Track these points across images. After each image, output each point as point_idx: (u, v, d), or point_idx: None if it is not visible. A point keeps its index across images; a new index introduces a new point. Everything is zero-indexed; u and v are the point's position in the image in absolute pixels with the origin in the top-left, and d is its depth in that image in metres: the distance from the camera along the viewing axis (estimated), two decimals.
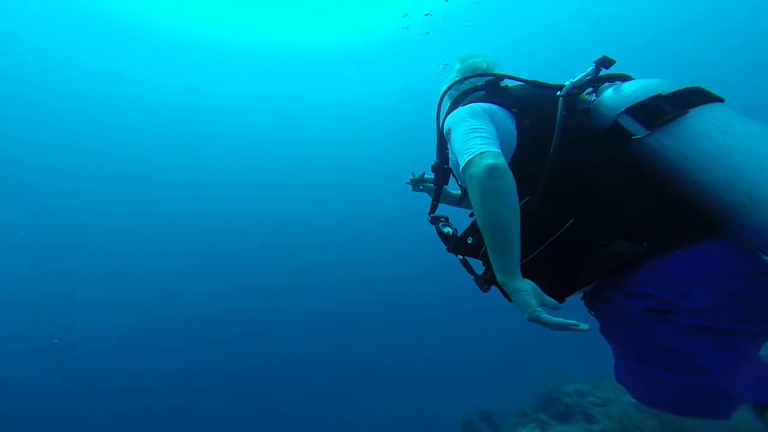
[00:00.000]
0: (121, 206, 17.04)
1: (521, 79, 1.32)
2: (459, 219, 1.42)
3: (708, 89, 1.04)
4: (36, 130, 15.58)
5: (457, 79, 1.46)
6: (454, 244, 1.25)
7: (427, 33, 13.03)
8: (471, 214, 1.29)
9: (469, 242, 1.17)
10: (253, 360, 12.45)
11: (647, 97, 1.03)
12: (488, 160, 0.94)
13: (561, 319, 0.91)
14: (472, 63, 1.49)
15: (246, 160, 18.50)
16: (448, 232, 1.33)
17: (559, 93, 1.15)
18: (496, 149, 0.99)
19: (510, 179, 0.94)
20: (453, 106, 1.37)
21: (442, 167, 1.49)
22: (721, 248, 0.94)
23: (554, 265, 1.06)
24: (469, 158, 0.98)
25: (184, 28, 14.14)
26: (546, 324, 0.92)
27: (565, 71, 1.31)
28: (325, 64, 16.18)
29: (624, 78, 1.17)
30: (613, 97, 1.10)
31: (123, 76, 15.59)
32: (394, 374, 11.46)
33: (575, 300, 1.15)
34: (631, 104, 1.04)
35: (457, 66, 1.53)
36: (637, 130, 1.02)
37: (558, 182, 1.03)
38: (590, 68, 1.18)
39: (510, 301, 0.99)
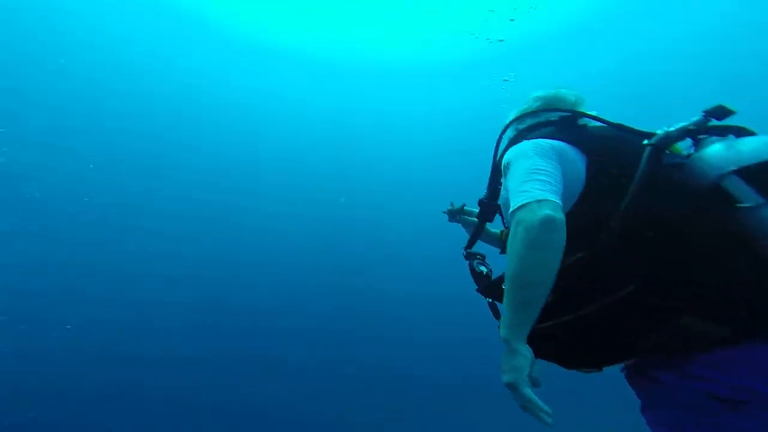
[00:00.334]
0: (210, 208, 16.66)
1: (604, 121, 1.17)
2: (494, 258, 1.42)
3: None
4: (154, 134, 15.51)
5: (531, 109, 1.33)
6: (487, 286, 1.22)
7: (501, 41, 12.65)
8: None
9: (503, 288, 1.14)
10: (255, 358, 12.41)
11: None
12: (546, 211, 0.86)
13: (538, 401, 0.84)
14: (555, 94, 1.34)
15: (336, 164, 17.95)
16: (482, 272, 1.30)
17: (647, 141, 0.99)
18: (557, 200, 0.90)
19: (563, 237, 0.86)
20: (517, 139, 1.26)
21: (490, 203, 1.38)
22: None
23: (599, 331, 0.94)
24: (524, 201, 0.90)
25: (284, 38, 14.64)
26: (523, 398, 0.84)
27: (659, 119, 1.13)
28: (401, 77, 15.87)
29: (743, 132, 0.98)
30: (722, 152, 0.89)
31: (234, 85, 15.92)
32: (395, 376, 11.48)
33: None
34: (746, 164, 0.84)
35: (534, 95, 1.39)
36: (747, 197, 0.83)
37: (625, 240, 0.89)
38: (696, 117, 1.00)
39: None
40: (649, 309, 0.87)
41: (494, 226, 1.57)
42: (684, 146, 1.02)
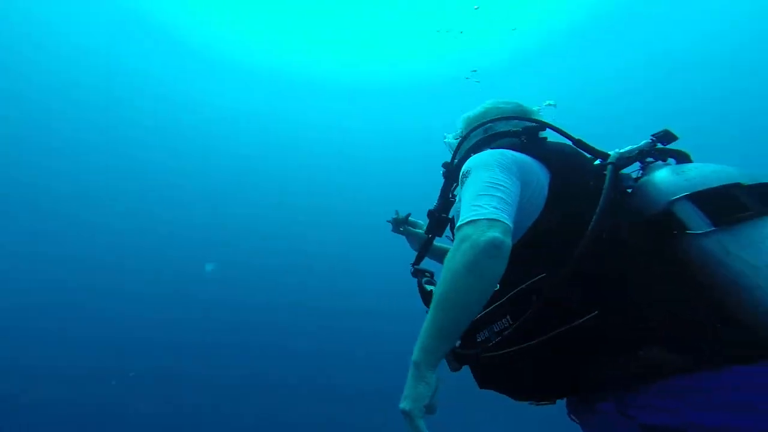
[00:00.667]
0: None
1: (568, 135, 1.14)
2: None
3: None
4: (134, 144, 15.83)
5: (489, 118, 1.28)
6: None
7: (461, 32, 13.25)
8: None
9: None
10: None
11: (722, 184, 0.82)
12: (495, 233, 0.80)
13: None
14: (515, 106, 1.31)
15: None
16: (431, 291, 1.18)
17: (608, 161, 0.98)
18: (509, 223, 0.84)
19: (503, 265, 0.81)
20: (478, 147, 1.22)
21: (440, 215, 1.31)
22: None
23: (556, 361, 0.86)
24: (475, 218, 0.84)
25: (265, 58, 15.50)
26: (416, 428, 0.80)
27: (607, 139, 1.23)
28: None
29: (682, 157, 0.99)
30: (671, 178, 0.89)
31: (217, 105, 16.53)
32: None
33: None
34: (697, 190, 0.83)
35: (488, 105, 1.35)
36: (697, 224, 0.81)
37: (588, 263, 0.83)
38: (644, 141, 1.01)
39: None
40: (611, 337, 0.82)
41: (442, 241, 1.45)
42: (630, 170, 1.03)
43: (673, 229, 0.84)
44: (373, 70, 15.87)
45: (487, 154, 1.01)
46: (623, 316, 0.81)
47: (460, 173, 1.03)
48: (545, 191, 0.97)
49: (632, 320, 0.80)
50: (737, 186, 0.81)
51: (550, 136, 1.22)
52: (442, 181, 1.32)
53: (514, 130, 1.20)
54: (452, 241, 1.30)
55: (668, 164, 0.96)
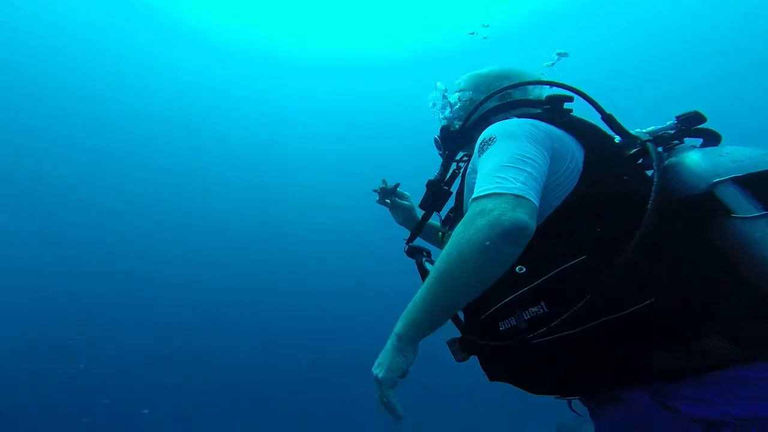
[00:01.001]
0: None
1: (600, 108, 1.02)
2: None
3: None
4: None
5: (513, 80, 1.13)
6: None
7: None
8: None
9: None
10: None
11: None
12: (521, 215, 0.72)
13: (397, 404, 0.80)
14: (524, 72, 1.18)
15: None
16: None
17: (647, 139, 0.91)
18: (536, 202, 0.76)
19: (518, 253, 0.74)
20: (496, 113, 1.10)
21: (441, 187, 1.18)
22: None
23: (599, 352, 0.79)
24: (499, 191, 0.75)
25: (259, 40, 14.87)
26: (386, 396, 0.79)
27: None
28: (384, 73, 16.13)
29: (712, 138, 0.94)
30: (714, 159, 0.83)
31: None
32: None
33: None
34: (746, 172, 0.78)
35: (505, 67, 1.21)
36: (745, 208, 0.75)
37: (643, 247, 0.76)
38: (669, 122, 0.96)
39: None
40: (666, 326, 0.75)
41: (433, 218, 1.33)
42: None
43: (715, 212, 0.78)
44: (364, 49, 15.27)
45: (516, 123, 0.92)
46: (682, 304, 0.74)
47: (480, 140, 0.92)
48: (580, 167, 0.89)
49: (692, 309, 0.74)
50: None
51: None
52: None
53: (537, 99, 1.10)
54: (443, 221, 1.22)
55: (696, 147, 0.91)
